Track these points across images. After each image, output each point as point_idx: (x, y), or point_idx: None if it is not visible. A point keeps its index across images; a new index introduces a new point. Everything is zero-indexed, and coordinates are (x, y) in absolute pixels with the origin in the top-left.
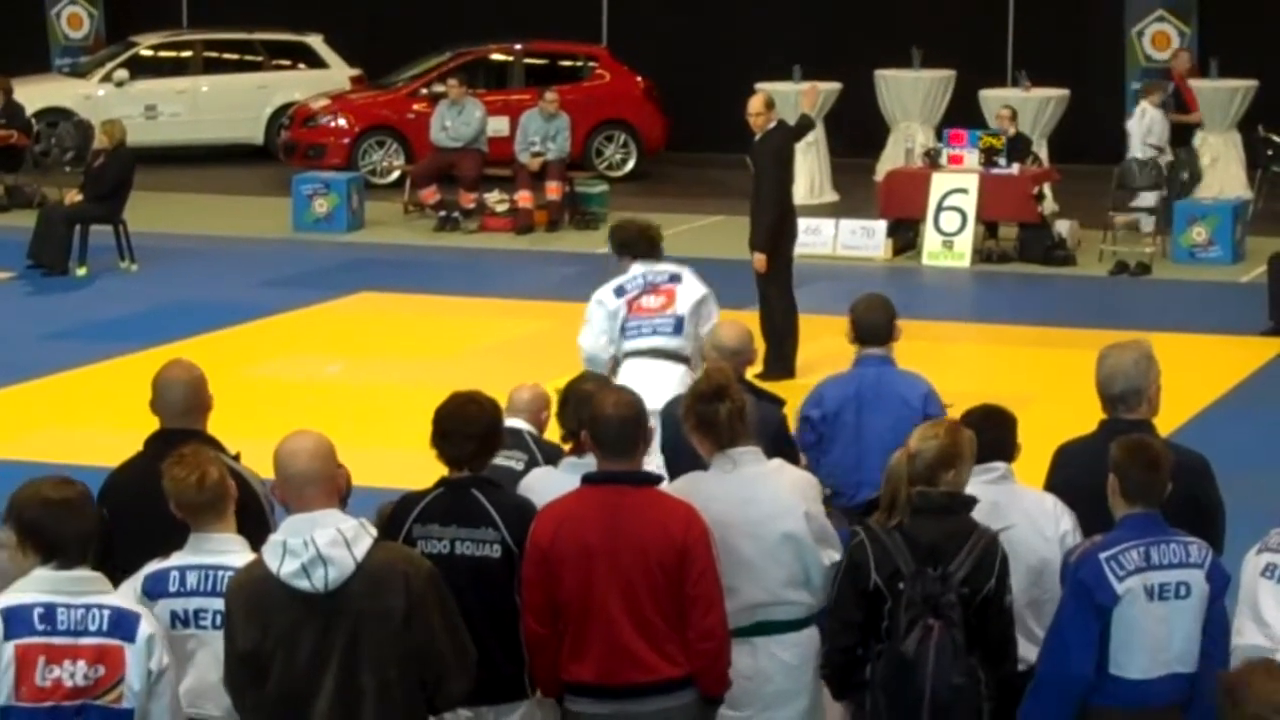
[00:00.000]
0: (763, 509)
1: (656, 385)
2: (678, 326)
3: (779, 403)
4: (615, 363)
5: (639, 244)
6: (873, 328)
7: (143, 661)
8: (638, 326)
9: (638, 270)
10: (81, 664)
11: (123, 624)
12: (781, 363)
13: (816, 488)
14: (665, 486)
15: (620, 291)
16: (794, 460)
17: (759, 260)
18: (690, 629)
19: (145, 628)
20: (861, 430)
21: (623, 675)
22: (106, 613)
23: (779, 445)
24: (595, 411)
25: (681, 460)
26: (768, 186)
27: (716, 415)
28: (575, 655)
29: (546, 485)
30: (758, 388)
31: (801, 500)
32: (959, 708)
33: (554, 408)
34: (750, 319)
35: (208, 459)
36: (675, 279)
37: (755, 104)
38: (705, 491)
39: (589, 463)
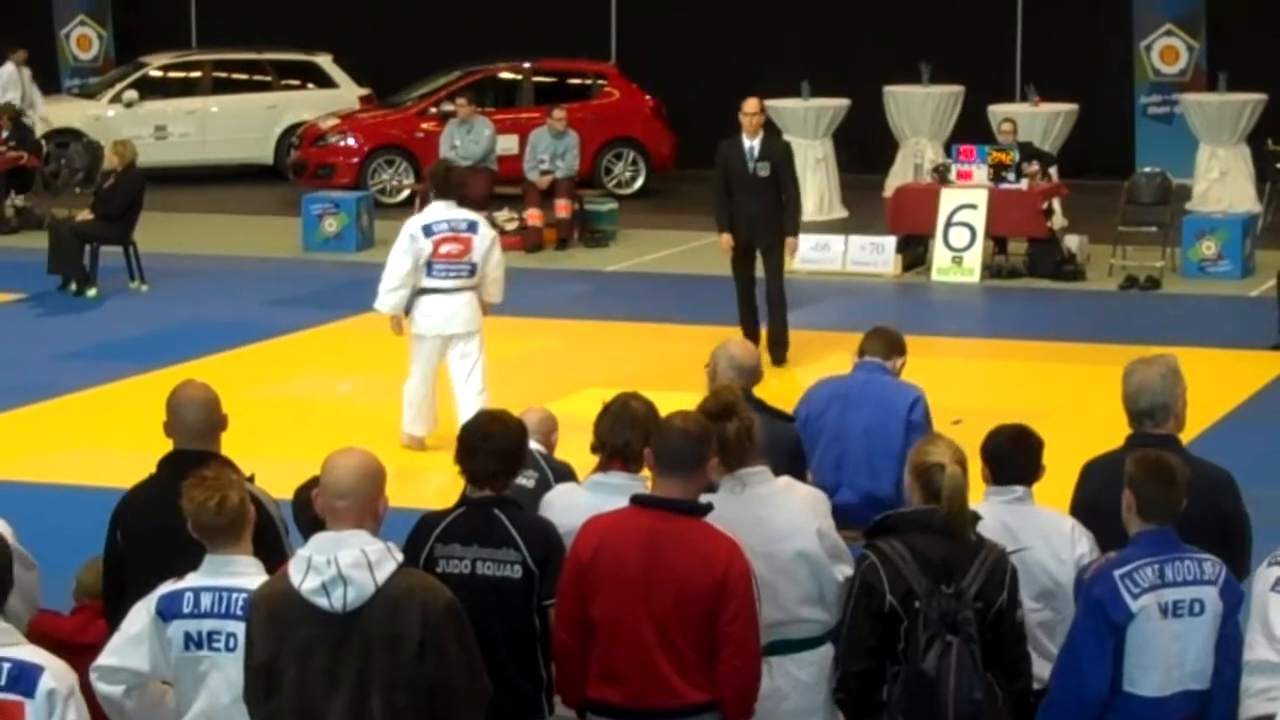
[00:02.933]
0: (775, 528)
1: (454, 309)
2: (473, 270)
3: (790, 420)
4: (412, 290)
5: (442, 185)
6: (866, 345)
7: (43, 718)
8: (444, 270)
9: (441, 212)
10: None
11: (23, 678)
12: (782, 333)
13: (826, 504)
14: None
15: (428, 231)
16: (803, 477)
17: (794, 245)
18: (721, 664)
19: (47, 682)
20: (843, 430)
21: (649, 699)
22: (6, 666)
23: (794, 464)
24: (662, 427)
25: None
26: (796, 182)
27: (724, 434)
28: (603, 675)
29: (570, 502)
30: (770, 406)
31: (813, 517)
32: None
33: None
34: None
35: (228, 482)
36: (472, 228)
37: (756, 104)
38: (716, 514)
39: (614, 481)
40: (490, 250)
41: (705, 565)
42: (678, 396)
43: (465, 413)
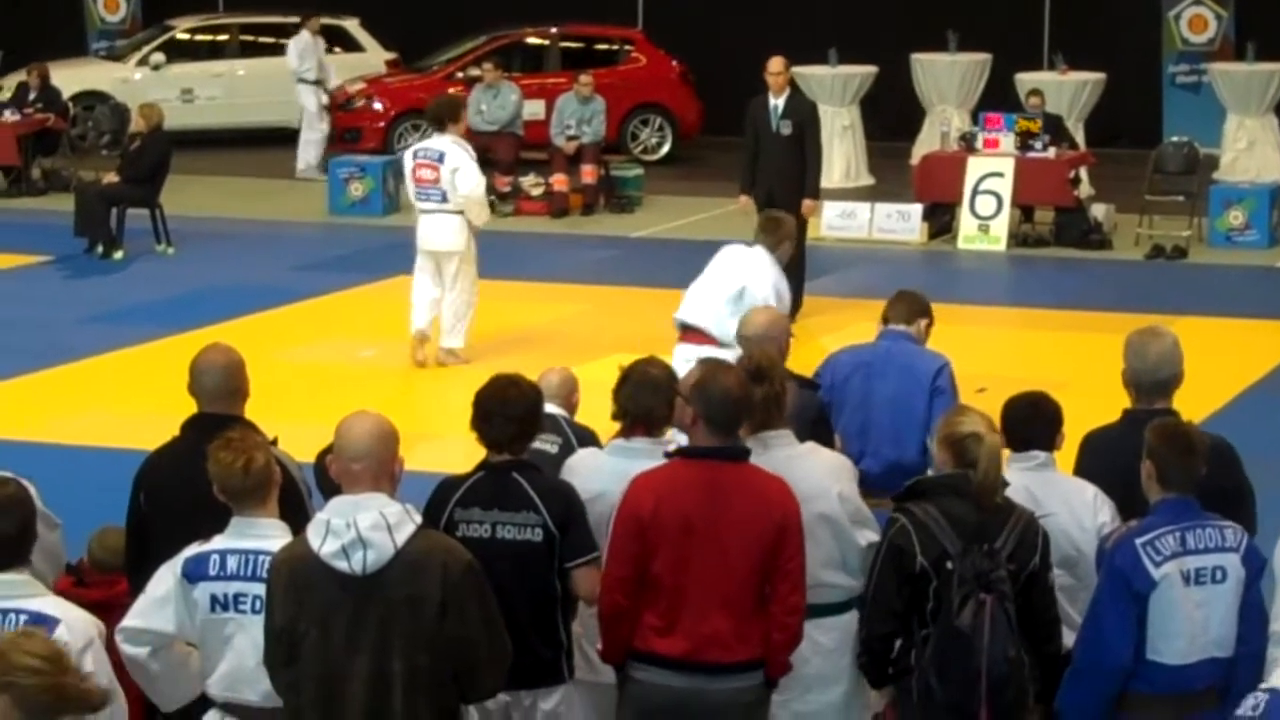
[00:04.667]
0: (796, 491)
1: (432, 228)
2: (444, 196)
3: (816, 387)
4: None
5: (431, 118)
6: (889, 311)
7: None
8: (419, 193)
9: (429, 141)
10: None
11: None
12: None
13: (850, 469)
14: None
15: (414, 156)
16: (829, 445)
17: (811, 207)
18: (778, 603)
19: (60, 634)
20: (868, 397)
21: (706, 653)
22: (23, 618)
23: (817, 431)
24: (713, 388)
25: None
26: (818, 143)
27: (752, 397)
28: (661, 629)
29: (593, 465)
30: (795, 373)
31: (835, 482)
32: (1013, 682)
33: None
34: None
35: (254, 444)
36: (441, 158)
37: (780, 63)
38: None
39: (636, 446)
40: (454, 179)
41: (765, 505)
42: None
43: (443, 321)
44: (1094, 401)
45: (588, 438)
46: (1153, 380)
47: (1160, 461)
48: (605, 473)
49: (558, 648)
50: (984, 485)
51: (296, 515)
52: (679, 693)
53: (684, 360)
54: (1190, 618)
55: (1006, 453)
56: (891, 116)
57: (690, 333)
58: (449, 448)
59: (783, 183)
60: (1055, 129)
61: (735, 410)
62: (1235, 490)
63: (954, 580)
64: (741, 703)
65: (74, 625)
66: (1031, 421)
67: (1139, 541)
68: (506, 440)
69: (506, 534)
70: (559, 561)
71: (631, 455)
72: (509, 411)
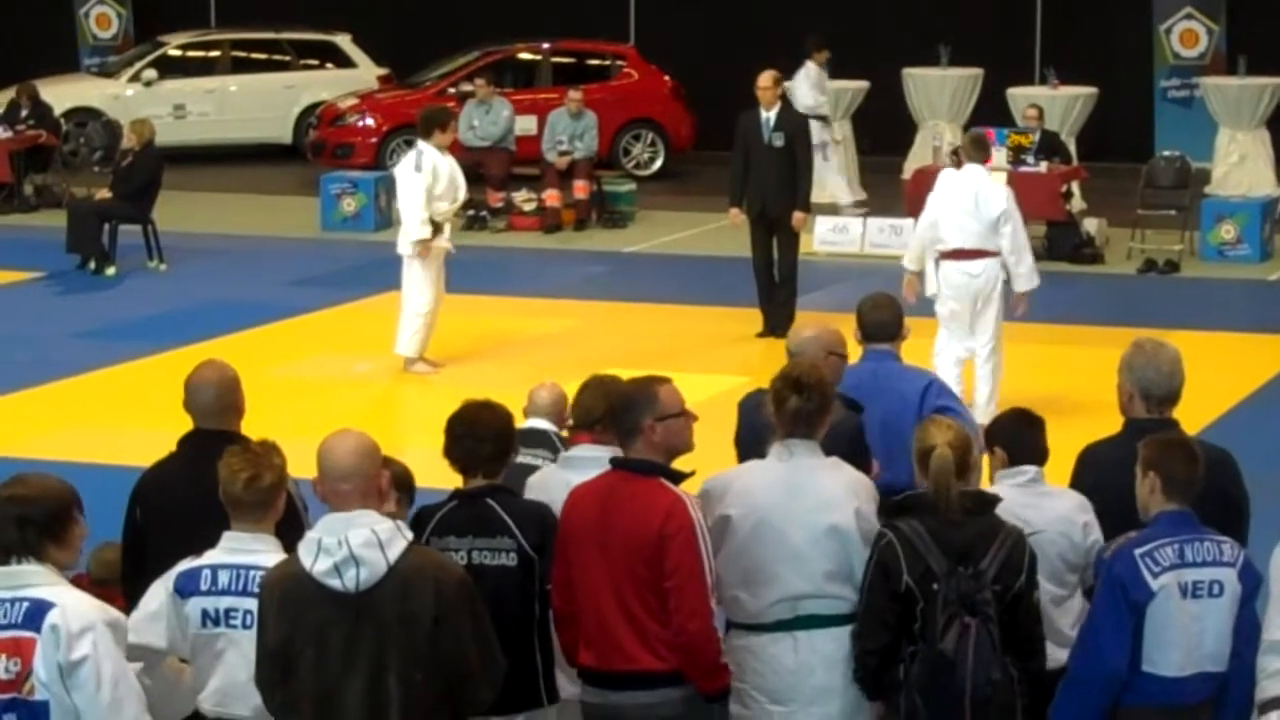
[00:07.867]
0: (810, 499)
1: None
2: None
3: (857, 409)
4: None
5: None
6: (879, 325)
7: (50, 652)
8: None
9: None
10: (2, 657)
11: (35, 615)
12: (787, 311)
13: (871, 490)
14: (721, 470)
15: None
16: (864, 470)
17: (801, 220)
18: (669, 624)
19: (52, 617)
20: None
21: (610, 662)
22: (25, 605)
23: (852, 453)
24: (614, 398)
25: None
26: (809, 157)
27: (784, 403)
28: (581, 638)
29: (547, 483)
30: (840, 394)
31: (854, 498)
32: (997, 704)
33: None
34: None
35: (268, 464)
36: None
37: (771, 77)
38: (756, 477)
39: (588, 455)
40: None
41: (645, 518)
42: (695, 378)
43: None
44: (1087, 415)
45: None
46: (1168, 388)
47: (1162, 473)
48: (559, 488)
49: (533, 671)
50: (935, 501)
51: (292, 532)
52: (595, 709)
53: (969, 275)
54: (1186, 630)
55: (988, 464)
56: (883, 131)
57: (958, 254)
58: (443, 462)
59: (776, 196)
60: (1052, 146)
61: (610, 416)
62: (1238, 500)
63: (939, 601)
64: (659, 717)
65: (70, 610)
66: (1019, 437)
67: (1138, 552)
68: (479, 464)
69: (483, 560)
70: (540, 584)
71: (571, 466)
72: (479, 434)
